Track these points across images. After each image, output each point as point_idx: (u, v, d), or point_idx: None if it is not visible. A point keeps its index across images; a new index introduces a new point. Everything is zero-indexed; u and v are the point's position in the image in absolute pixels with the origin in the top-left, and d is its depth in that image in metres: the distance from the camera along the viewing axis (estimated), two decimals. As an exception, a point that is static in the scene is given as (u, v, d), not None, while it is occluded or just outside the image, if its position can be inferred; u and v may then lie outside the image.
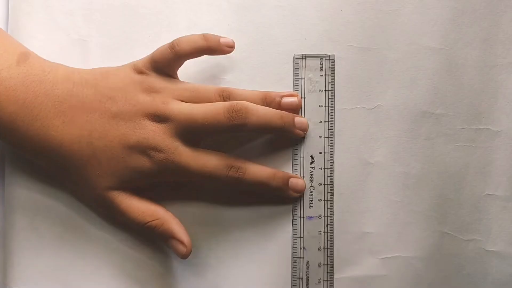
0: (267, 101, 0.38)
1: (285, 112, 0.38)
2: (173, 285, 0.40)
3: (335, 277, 0.39)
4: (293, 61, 0.39)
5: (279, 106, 0.38)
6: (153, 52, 0.37)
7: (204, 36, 0.37)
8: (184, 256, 0.37)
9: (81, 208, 0.40)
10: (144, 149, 0.36)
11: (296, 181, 0.39)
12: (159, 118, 0.36)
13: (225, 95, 0.37)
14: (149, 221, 0.37)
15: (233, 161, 0.37)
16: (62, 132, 0.36)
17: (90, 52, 0.39)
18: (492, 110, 0.40)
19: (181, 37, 0.37)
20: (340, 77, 0.39)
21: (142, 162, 0.36)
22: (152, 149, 0.36)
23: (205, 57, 0.38)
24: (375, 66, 0.39)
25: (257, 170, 0.38)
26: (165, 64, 0.37)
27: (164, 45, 0.37)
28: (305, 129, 0.39)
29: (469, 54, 0.39)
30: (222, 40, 0.37)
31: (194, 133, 0.36)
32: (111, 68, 0.38)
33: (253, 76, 0.39)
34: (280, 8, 0.39)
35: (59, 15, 0.40)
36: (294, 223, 0.39)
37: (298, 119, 0.38)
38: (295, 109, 0.39)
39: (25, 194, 0.39)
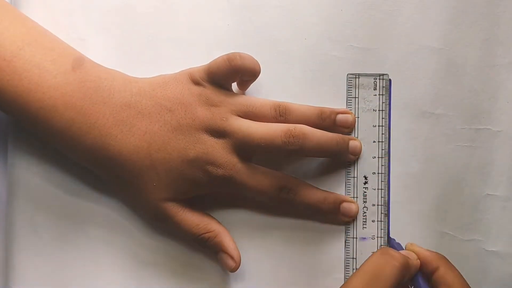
0: (323, 117, 0.38)
1: (340, 136, 0.38)
2: (175, 285, 0.40)
3: (334, 277, 0.39)
4: (347, 80, 0.39)
5: (334, 123, 0.38)
6: (209, 64, 0.37)
7: (257, 63, 0.37)
8: (233, 270, 0.38)
9: (81, 208, 0.40)
10: (203, 164, 0.36)
11: (349, 206, 0.39)
12: (218, 133, 0.36)
13: (281, 111, 0.37)
14: (203, 234, 0.37)
15: (286, 182, 0.37)
16: (120, 142, 0.36)
17: (90, 52, 0.39)
18: (492, 110, 0.40)
19: (242, 53, 0.36)
20: (340, 77, 0.40)
21: (200, 176, 0.36)
22: (211, 164, 0.36)
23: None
24: (375, 66, 0.39)
25: (309, 193, 0.38)
26: (222, 77, 0.37)
27: (221, 57, 0.37)
28: (357, 154, 0.39)
29: (469, 54, 0.39)
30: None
31: (250, 151, 0.37)
32: (168, 77, 0.37)
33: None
34: (280, 8, 0.39)
35: (59, 15, 0.40)
36: (347, 243, 0.39)
37: (352, 144, 0.39)
38: (350, 127, 0.39)
39: (25, 194, 0.39)
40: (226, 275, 0.40)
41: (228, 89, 0.38)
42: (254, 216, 0.40)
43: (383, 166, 0.39)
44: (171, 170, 0.36)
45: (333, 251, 0.39)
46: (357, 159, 0.39)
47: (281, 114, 0.37)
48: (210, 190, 0.37)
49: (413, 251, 0.37)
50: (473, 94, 0.39)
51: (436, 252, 0.37)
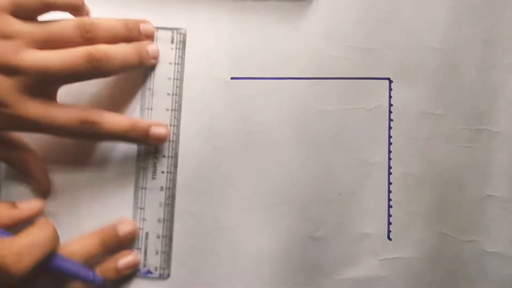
0: (129, 27, 0.37)
1: (138, 45, 0.37)
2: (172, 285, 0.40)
3: (334, 278, 0.39)
4: None
5: (139, 33, 0.37)
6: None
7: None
8: (44, 196, 0.38)
9: (81, 208, 0.39)
10: None
11: (158, 130, 0.38)
12: (8, 71, 0.33)
13: (86, 27, 0.35)
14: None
15: (88, 115, 0.35)
16: None
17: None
18: (492, 110, 0.39)
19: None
20: (339, 77, 0.40)
21: None
22: None
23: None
24: (375, 66, 0.39)
25: (114, 122, 0.36)
26: (29, 12, 0.34)
27: None
28: (157, 57, 0.38)
29: (469, 54, 0.39)
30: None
31: (50, 84, 0.35)
32: None
33: None
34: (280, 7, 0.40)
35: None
36: (136, 194, 0.39)
37: (150, 48, 0.38)
38: (151, 35, 0.38)
39: (24, 194, 0.39)
40: (224, 275, 0.39)
41: (31, 19, 0.35)
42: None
43: (175, 119, 0.39)
44: None
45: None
46: (151, 110, 0.38)
47: (87, 31, 0.35)
48: (6, 131, 0.36)
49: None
50: (473, 95, 0.39)
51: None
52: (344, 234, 0.39)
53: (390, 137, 0.39)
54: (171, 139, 0.39)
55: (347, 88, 0.40)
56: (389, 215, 0.39)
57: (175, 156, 0.39)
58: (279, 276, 0.39)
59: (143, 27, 0.38)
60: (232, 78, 0.39)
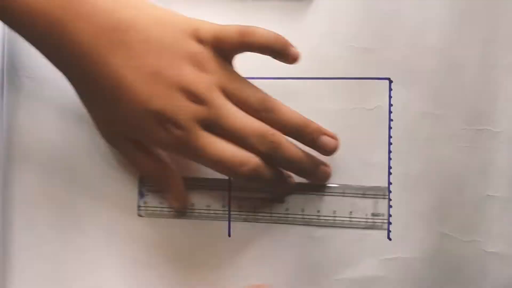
0: (306, 131, 0.37)
1: (313, 161, 0.38)
2: (175, 285, 0.39)
3: (334, 278, 0.39)
4: None
5: (314, 143, 0.38)
6: (221, 28, 0.35)
7: (277, 38, 0.35)
8: (178, 206, 0.39)
9: (80, 208, 0.40)
10: (164, 120, 0.34)
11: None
12: (195, 98, 0.34)
13: (267, 106, 0.36)
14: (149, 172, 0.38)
15: (248, 158, 0.36)
16: (93, 65, 0.34)
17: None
18: (493, 110, 0.39)
19: (256, 27, 0.35)
20: (339, 77, 0.39)
21: (158, 130, 0.35)
22: (172, 123, 0.34)
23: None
24: (375, 66, 0.39)
25: (279, 167, 0.37)
26: (227, 48, 0.35)
27: (233, 28, 0.35)
28: (324, 181, 0.39)
29: (469, 54, 0.39)
30: (291, 50, 0.36)
31: (218, 131, 0.35)
32: (172, 18, 0.35)
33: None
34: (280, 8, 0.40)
35: None
36: None
37: (322, 169, 0.39)
38: (331, 152, 0.38)
39: (23, 194, 0.39)
40: (226, 275, 0.39)
41: (228, 60, 0.36)
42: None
43: None
44: (132, 113, 0.35)
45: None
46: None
47: (265, 110, 0.36)
48: (166, 148, 0.37)
49: None
50: (473, 95, 0.39)
51: None
52: (344, 234, 0.39)
53: (390, 137, 0.39)
54: None
55: (347, 88, 0.40)
56: (389, 215, 0.39)
57: None
58: (280, 276, 0.39)
59: (323, 140, 0.38)
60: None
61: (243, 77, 0.37)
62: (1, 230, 0.40)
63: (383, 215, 0.39)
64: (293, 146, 0.37)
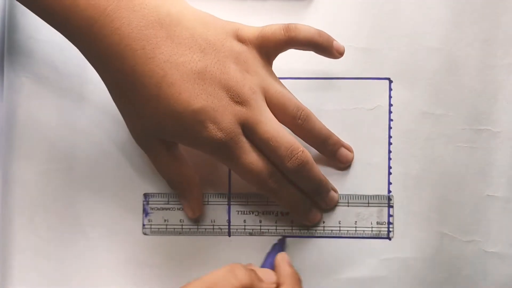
0: (329, 142, 0.38)
1: (327, 185, 0.38)
2: (173, 286, 0.39)
3: (334, 278, 0.39)
4: None
5: (334, 154, 0.39)
6: (263, 27, 0.36)
7: (320, 32, 0.36)
8: (192, 216, 0.39)
9: (80, 208, 0.39)
10: (205, 118, 0.34)
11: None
12: (238, 99, 0.34)
13: (302, 116, 0.36)
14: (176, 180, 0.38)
15: (275, 172, 0.36)
16: (137, 59, 0.33)
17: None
18: (492, 110, 0.39)
19: (298, 24, 0.36)
20: (339, 77, 0.39)
21: (198, 129, 0.34)
22: (214, 123, 0.34)
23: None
24: (375, 66, 0.39)
25: (302, 183, 0.37)
26: (272, 45, 0.36)
27: (277, 25, 0.36)
28: (331, 206, 0.39)
29: (469, 54, 0.39)
30: (334, 43, 0.37)
31: (252, 135, 0.35)
32: (214, 20, 0.35)
33: None
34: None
35: None
36: None
37: (331, 195, 0.39)
38: (346, 163, 0.39)
39: (24, 194, 0.39)
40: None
41: (269, 62, 0.37)
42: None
43: None
44: (172, 110, 0.34)
45: None
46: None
47: (300, 118, 0.36)
48: (203, 148, 0.36)
49: (277, 265, 0.36)
50: (473, 95, 0.39)
51: (292, 271, 0.36)
52: (344, 234, 0.39)
53: (390, 137, 0.39)
54: None
55: (347, 88, 0.40)
56: (389, 215, 0.39)
57: None
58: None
59: (341, 152, 0.39)
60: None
61: (281, 83, 0.37)
62: (1, 230, 0.40)
63: (386, 223, 0.39)
64: (316, 167, 0.37)
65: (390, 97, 0.39)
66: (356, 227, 0.39)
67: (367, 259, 0.39)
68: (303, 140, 0.38)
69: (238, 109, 0.34)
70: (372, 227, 0.39)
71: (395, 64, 0.39)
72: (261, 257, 0.38)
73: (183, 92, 0.33)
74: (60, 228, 0.39)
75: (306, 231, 0.39)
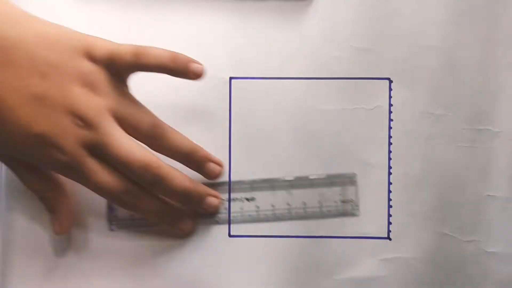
0: (192, 158, 0.37)
1: (198, 191, 0.37)
2: (173, 285, 0.39)
3: (334, 278, 0.39)
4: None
5: (200, 169, 0.38)
6: (115, 49, 0.34)
7: (174, 56, 0.35)
8: (59, 232, 0.38)
9: (80, 209, 0.40)
10: (46, 144, 0.33)
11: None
12: (82, 122, 0.34)
13: (157, 133, 0.36)
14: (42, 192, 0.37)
15: (132, 187, 0.36)
16: None
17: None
18: (492, 110, 0.39)
19: (151, 48, 0.35)
20: (339, 77, 0.39)
21: (42, 153, 0.34)
22: (55, 148, 0.33)
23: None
24: (375, 66, 0.39)
25: (160, 200, 0.37)
26: (122, 68, 0.35)
27: (128, 47, 0.35)
28: (212, 211, 0.39)
29: (469, 54, 0.39)
30: (191, 66, 0.35)
31: (105, 158, 0.35)
32: (63, 39, 0.34)
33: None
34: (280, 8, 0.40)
35: (61, 15, 0.40)
36: None
37: (208, 201, 0.38)
38: (215, 178, 0.39)
39: (24, 194, 0.39)
40: (224, 274, 0.39)
41: (123, 81, 0.36)
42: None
43: None
44: (14, 135, 0.33)
45: None
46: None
47: (154, 137, 0.36)
48: (52, 170, 0.36)
49: None
50: (473, 95, 0.39)
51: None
52: (344, 234, 0.39)
53: (390, 137, 0.39)
54: None
55: (347, 88, 0.40)
56: (389, 215, 0.39)
57: None
58: (279, 276, 0.39)
59: (209, 167, 0.38)
60: (231, 78, 0.39)
61: (136, 100, 0.36)
62: (1, 230, 0.40)
63: (352, 201, 0.39)
64: (178, 178, 0.36)
65: (390, 97, 0.39)
66: (321, 207, 0.39)
67: (367, 259, 0.39)
68: (166, 156, 0.37)
69: (83, 132, 0.34)
70: (337, 205, 0.39)
71: (395, 64, 0.39)
72: (261, 253, 0.39)
73: (22, 117, 0.33)
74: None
75: (272, 214, 0.39)
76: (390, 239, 0.39)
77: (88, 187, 0.36)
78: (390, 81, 0.39)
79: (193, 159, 0.38)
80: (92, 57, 0.34)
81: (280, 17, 0.40)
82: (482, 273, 0.39)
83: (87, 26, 0.39)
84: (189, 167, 0.38)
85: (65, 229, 0.38)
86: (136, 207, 0.37)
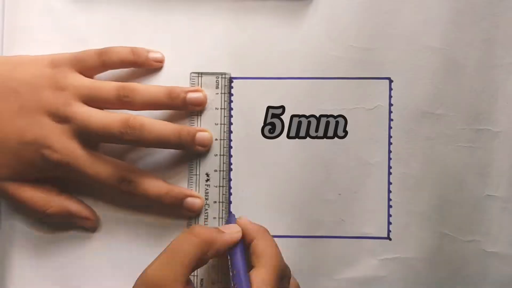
0: (172, 96, 0.37)
1: (185, 129, 0.38)
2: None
3: (334, 278, 0.39)
4: (190, 79, 0.39)
5: (185, 102, 0.38)
6: (78, 53, 0.37)
7: (133, 50, 0.38)
8: (93, 229, 0.39)
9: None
10: (39, 147, 0.36)
11: (193, 201, 0.38)
12: (59, 118, 0.36)
13: (125, 92, 0.37)
14: (45, 210, 0.37)
15: (127, 173, 0.37)
16: None
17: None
18: (492, 110, 0.39)
19: (111, 47, 0.38)
20: (339, 77, 0.40)
21: (37, 159, 0.36)
22: (48, 148, 0.36)
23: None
24: (375, 66, 0.39)
25: (151, 185, 0.37)
26: (88, 68, 0.37)
27: (91, 50, 0.37)
28: (207, 145, 0.39)
29: (469, 54, 0.39)
30: (151, 55, 0.38)
31: (90, 138, 0.37)
32: (27, 58, 0.38)
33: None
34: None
35: (60, 15, 0.40)
36: None
37: (200, 135, 0.38)
38: (201, 105, 0.39)
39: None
40: (222, 271, 0.39)
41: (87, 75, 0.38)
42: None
43: (224, 164, 0.39)
44: (7, 152, 0.36)
45: None
46: (201, 156, 0.39)
47: (125, 95, 0.37)
48: (49, 174, 0.37)
49: (239, 224, 0.36)
50: (473, 95, 0.39)
51: (258, 225, 0.36)
52: (344, 234, 0.39)
53: (390, 137, 0.39)
54: None
55: (347, 88, 0.40)
56: (389, 215, 0.39)
57: (226, 201, 0.40)
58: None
59: (190, 96, 0.38)
60: (232, 78, 0.39)
61: (96, 80, 0.38)
62: (1, 230, 0.40)
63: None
64: (158, 121, 0.37)
65: (390, 97, 0.39)
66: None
67: (367, 259, 0.39)
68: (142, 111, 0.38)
69: (64, 127, 0.36)
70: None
71: (395, 64, 0.39)
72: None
73: (10, 133, 0.36)
74: (60, 228, 0.39)
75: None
76: (390, 239, 0.39)
77: (86, 181, 0.37)
78: (390, 81, 0.39)
79: (172, 97, 0.38)
80: (56, 63, 0.37)
81: (280, 17, 0.40)
82: (482, 273, 0.39)
83: (87, 27, 0.40)
84: (172, 109, 0.38)
85: (92, 219, 0.39)
86: (136, 192, 0.37)
